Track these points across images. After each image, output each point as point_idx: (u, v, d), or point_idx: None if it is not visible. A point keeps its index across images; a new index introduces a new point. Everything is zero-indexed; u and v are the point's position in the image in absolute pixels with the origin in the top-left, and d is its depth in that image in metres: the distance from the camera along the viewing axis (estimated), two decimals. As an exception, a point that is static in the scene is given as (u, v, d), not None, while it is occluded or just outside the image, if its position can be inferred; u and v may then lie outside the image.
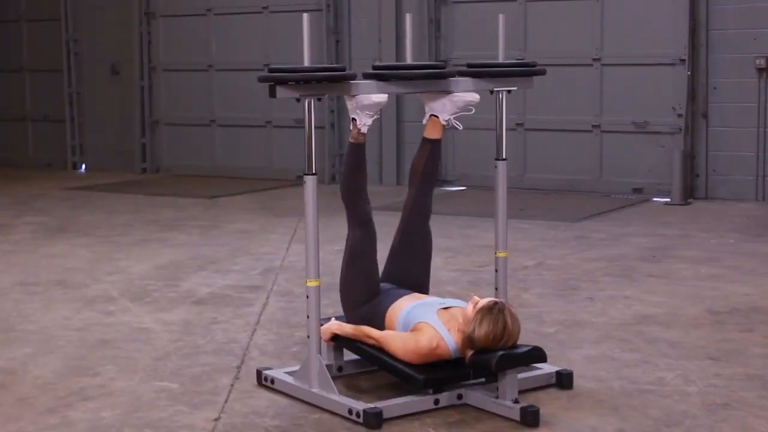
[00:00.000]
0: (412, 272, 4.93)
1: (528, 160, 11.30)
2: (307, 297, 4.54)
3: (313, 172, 4.48)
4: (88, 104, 14.06)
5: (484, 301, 4.38)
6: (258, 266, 7.50)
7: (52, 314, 6.18)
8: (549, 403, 4.49)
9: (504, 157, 5.01)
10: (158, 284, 6.96)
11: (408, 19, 5.03)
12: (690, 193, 10.41)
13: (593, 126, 10.99)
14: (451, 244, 8.16)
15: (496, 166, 5.01)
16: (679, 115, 10.46)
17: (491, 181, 5.29)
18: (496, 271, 5.04)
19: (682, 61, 10.39)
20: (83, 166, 14.20)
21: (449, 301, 4.67)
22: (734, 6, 10.22)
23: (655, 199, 10.54)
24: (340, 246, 8.14)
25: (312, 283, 4.52)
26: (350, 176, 4.81)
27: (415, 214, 4.94)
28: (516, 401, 4.31)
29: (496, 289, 5.03)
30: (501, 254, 5.03)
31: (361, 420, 4.26)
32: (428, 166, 4.95)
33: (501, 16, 5.00)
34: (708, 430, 4.19)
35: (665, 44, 10.52)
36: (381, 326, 4.67)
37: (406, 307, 4.64)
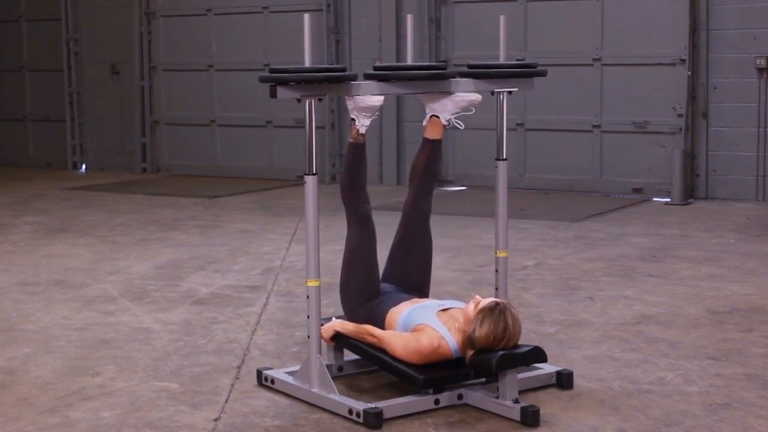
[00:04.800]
0: (412, 272, 4.93)
1: (528, 160, 11.30)
2: (307, 297, 4.55)
3: (314, 172, 4.49)
4: (88, 104, 14.07)
5: (485, 302, 4.38)
6: (258, 266, 7.50)
7: (52, 314, 6.18)
8: (549, 403, 4.49)
9: (504, 157, 5.01)
10: (158, 284, 6.96)
11: (409, 20, 5.01)
12: (690, 193, 10.41)
13: (593, 126, 11.00)
14: (451, 244, 8.16)
15: (496, 166, 5.01)
16: (679, 115, 10.46)
17: (491, 181, 5.29)
18: (497, 271, 5.04)
19: (682, 61, 10.39)
20: (83, 166, 14.21)
21: (448, 303, 4.67)
22: (734, 6, 10.22)
23: (655, 199, 10.55)
24: (341, 246, 8.14)
25: (312, 283, 4.52)
26: (350, 176, 4.83)
27: (414, 213, 4.95)
28: (516, 401, 4.31)
29: (496, 289, 5.04)
30: (501, 254, 5.03)
31: (361, 420, 4.26)
32: (429, 166, 4.95)
33: (502, 17, 4.99)
34: (708, 430, 4.19)
35: (665, 44, 10.53)
36: (381, 328, 4.68)
37: (405, 310, 4.64)
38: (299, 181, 4.89)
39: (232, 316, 6.08)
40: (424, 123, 5.00)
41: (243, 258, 7.81)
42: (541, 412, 4.29)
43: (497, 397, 4.36)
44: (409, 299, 4.75)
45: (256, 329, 5.78)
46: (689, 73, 10.34)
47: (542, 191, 11.12)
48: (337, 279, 6.79)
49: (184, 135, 13.47)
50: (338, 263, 7.39)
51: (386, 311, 4.70)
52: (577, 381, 4.74)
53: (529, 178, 11.29)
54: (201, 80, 13.29)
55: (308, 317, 4.55)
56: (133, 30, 13.51)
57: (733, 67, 10.28)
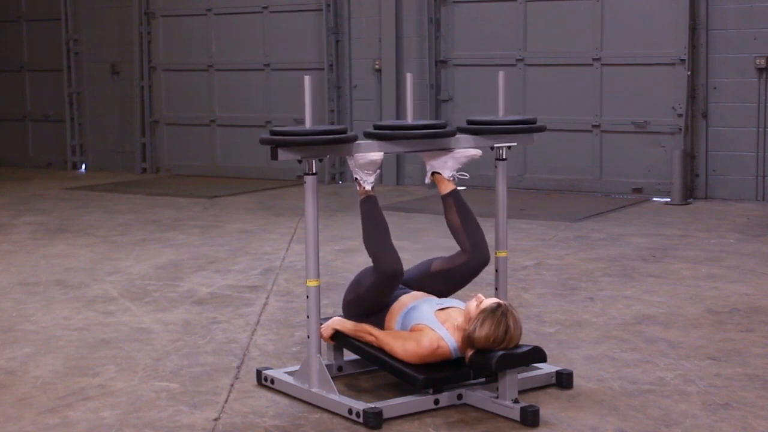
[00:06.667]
0: (437, 292, 4.87)
1: (528, 160, 11.30)
2: (307, 297, 4.55)
3: (314, 172, 4.49)
4: (88, 104, 14.07)
5: (488, 302, 4.37)
6: (258, 266, 7.50)
7: (52, 314, 6.18)
8: (549, 403, 4.49)
9: (504, 157, 5.02)
10: (158, 284, 6.96)
11: (409, 78, 4.91)
12: (690, 193, 10.42)
13: (593, 126, 10.99)
14: (451, 243, 8.11)
15: (496, 166, 5.02)
16: (679, 115, 10.46)
17: (491, 181, 5.29)
18: (496, 271, 5.05)
19: (682, 61, 10.39)
20: (83, 166, 14.21)
21: (447, 302, 4.66)
22: (734, 6, 10.22)
23: (654, 199, 10.55)
24: (341, 246, 8.19)
25: (312, 283, 4.52)
26: (369, 231, 4.70)
27: (476, 260, 4.87)
28: (516, 401, 4.31)
29: (496, 289, 5.04)
30: (501, 254, 5.04)
31: (361, 420, 4.26)
32: (464, 217, 4.94)
33: (501, 73, 4.98)
34: (708, 430, 4.19)
35: (665, 44, 10.53)
36: (380, 326, 4.68)
37: (404, 308, 4.63)
38: (299, 181, 4.89)
39: (232, 316, 6.08)
40: (426, 181, 5.03)
41: (243, 258, 7.81)
42: (541, 412, 4.29)
43: (497, 397, 4.36)
44: (407, 293, 4.74)
45: (255, 329, 5.78)
46: (689, 73, 10.34)
47: (542, 191, 11.12)
48: (337, 279, 6.83)
49: (184, 135, 13.47)
50: (338, 263, 7.45)
51: (386, 309, 4.69)
52: (576, 381, 4.74)
53: (529, 178, 11.29)
54: (201, 80, 13.29)
55: (308, 317, 4.55)
56: (133, 30, 13.51)
57: (733, 67, 10.28)
